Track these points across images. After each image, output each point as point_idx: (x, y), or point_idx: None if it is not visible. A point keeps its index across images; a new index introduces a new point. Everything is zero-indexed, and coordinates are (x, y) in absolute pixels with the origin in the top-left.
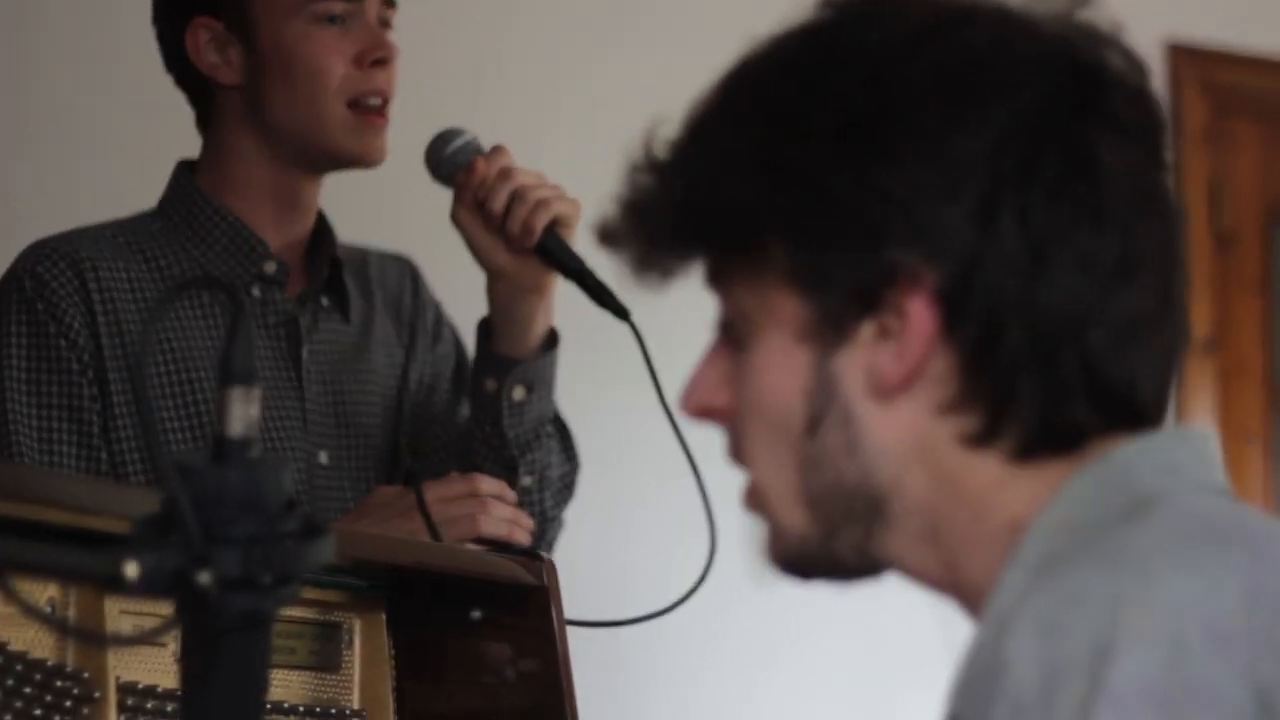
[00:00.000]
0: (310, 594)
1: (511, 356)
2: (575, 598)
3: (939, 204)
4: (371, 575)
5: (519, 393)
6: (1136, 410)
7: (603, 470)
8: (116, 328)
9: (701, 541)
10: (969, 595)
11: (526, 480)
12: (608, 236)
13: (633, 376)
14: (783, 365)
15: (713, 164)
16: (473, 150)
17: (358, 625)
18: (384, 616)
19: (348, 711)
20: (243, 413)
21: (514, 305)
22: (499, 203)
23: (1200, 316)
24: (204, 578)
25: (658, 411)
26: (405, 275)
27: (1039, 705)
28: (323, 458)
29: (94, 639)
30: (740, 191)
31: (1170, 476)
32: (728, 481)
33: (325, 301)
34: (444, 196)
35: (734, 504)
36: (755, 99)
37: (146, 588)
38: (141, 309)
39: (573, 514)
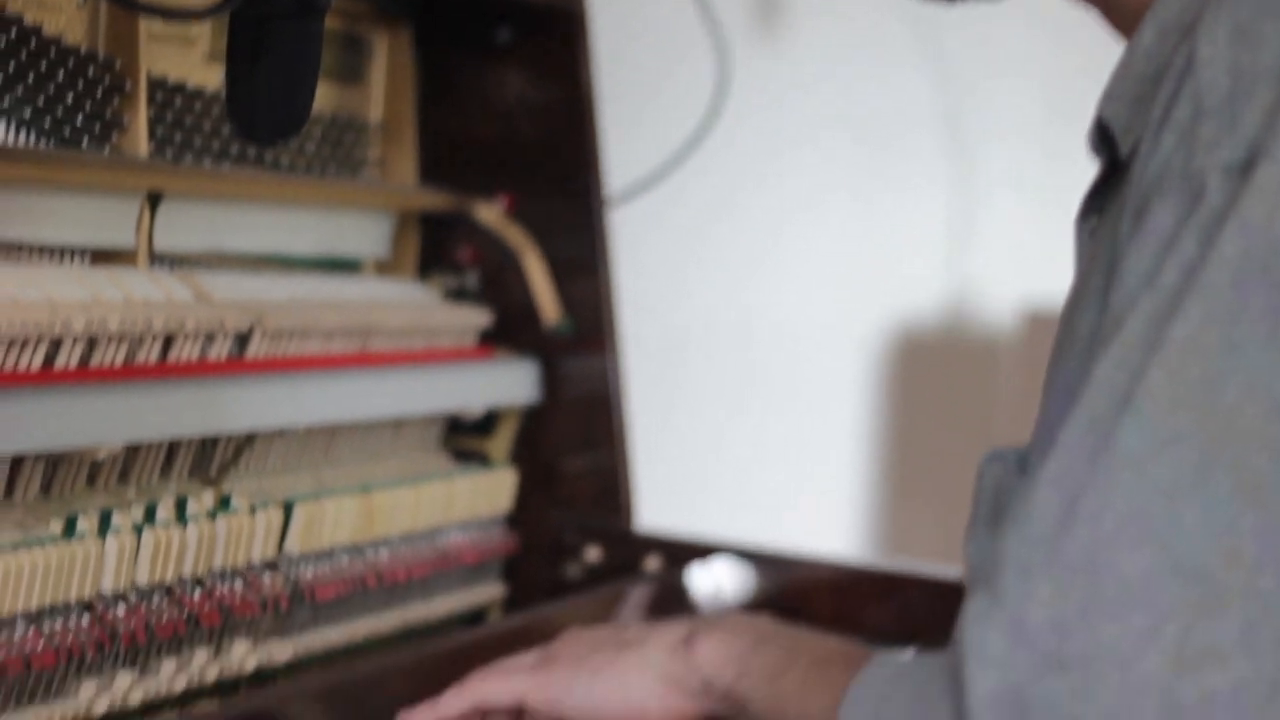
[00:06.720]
0: (336, 3)
1: None
2: None
3: None
4: None
5: None
6: None
7: None
8: None
9: None
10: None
11: None
12: None
13: None
14: None
15: None
16: None
17: (383, 40)
18: (410, 34)
19: (369, 124)
20: None
21: None
22: None
23: None
24: None
25: None
26: None
27: (1224, 109)
28: None
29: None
30: None
31: None
32: None
33: None
34: None
35: None
36: None
37: None
38: None
39: None
